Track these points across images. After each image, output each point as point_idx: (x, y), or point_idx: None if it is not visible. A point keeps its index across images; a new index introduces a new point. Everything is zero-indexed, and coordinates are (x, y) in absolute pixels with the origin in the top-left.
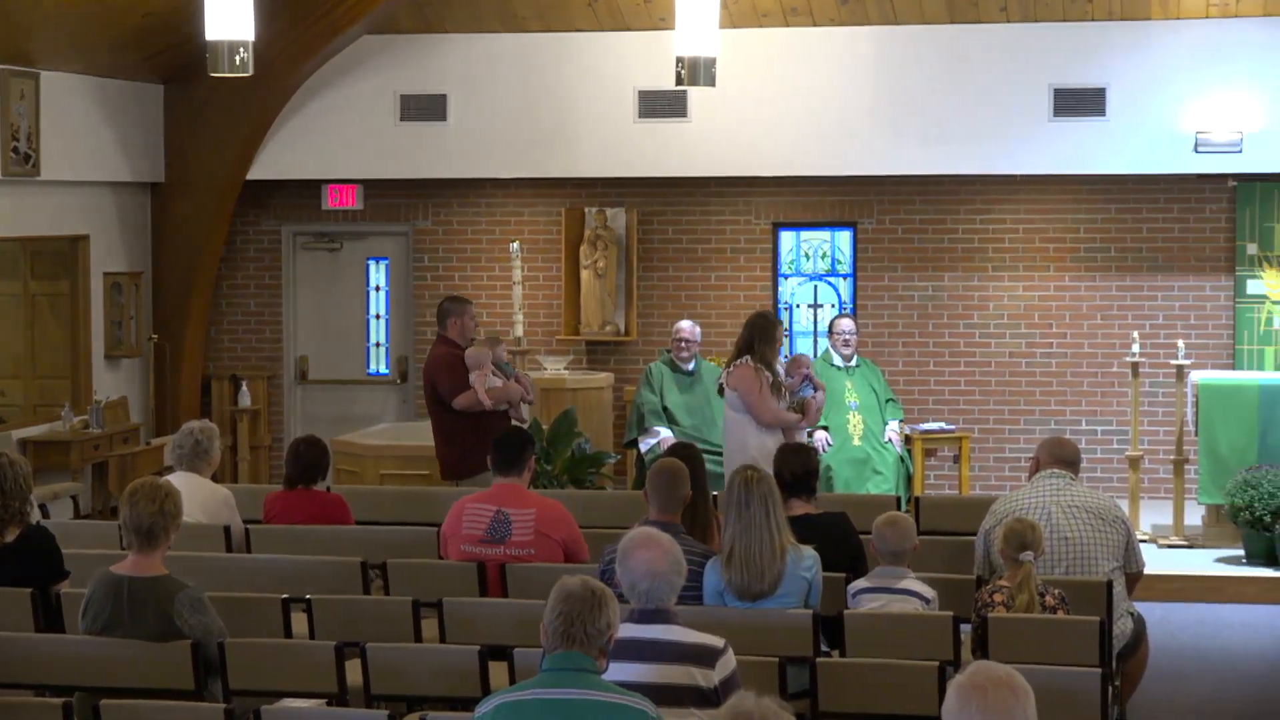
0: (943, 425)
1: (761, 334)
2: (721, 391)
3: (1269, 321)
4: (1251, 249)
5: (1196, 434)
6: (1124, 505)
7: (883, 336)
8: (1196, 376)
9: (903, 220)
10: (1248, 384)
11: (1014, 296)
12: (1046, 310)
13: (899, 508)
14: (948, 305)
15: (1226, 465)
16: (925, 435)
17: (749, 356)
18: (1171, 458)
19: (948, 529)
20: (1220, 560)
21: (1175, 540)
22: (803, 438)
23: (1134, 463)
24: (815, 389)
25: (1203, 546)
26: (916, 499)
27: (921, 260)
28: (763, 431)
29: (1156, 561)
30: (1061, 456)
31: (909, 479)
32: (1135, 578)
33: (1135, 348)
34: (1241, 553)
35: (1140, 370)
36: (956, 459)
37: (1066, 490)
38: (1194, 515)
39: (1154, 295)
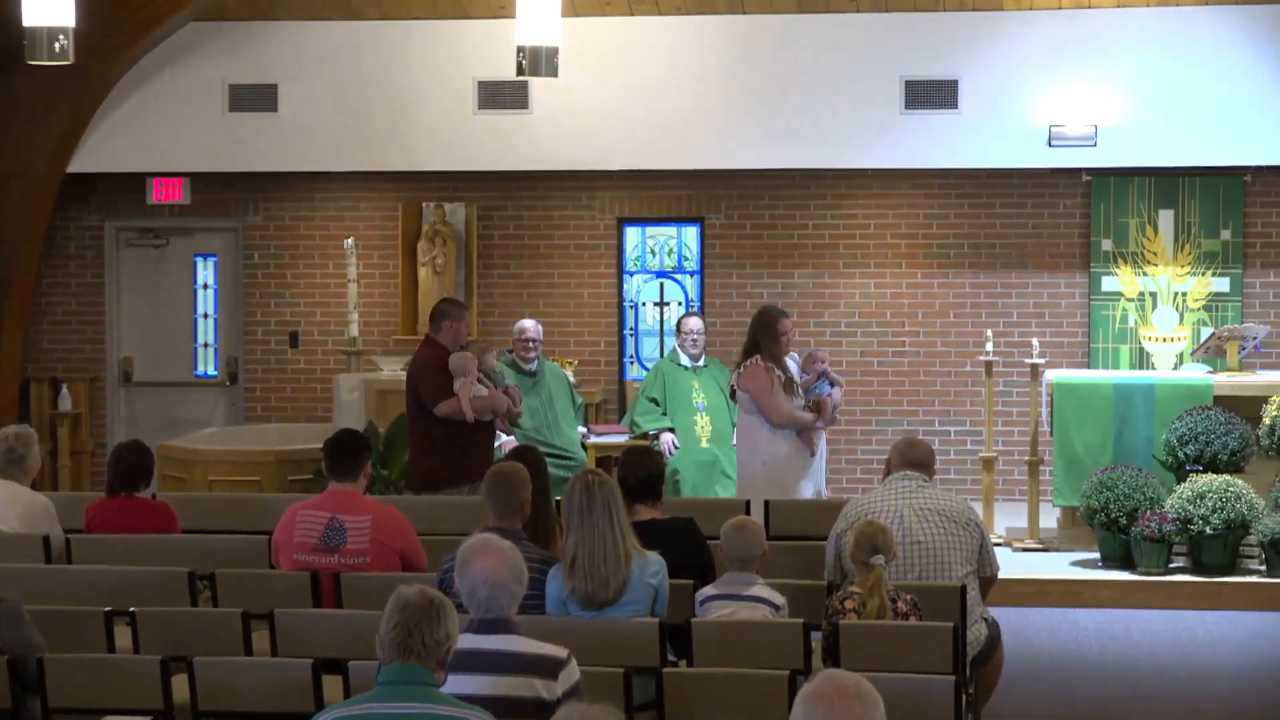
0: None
1: (765, 331)
2: (734, 395)
3: (1124, 319)
4: (1106, 245)
5: (1051, 434)
6: (978, 508)
7: (731, 336)
8: (1051, 376)
9: (751, 216)
10: (1103, 383)
11: (866, 294)
12: (899, 308)
13: (748, 512)
14: (798, 303)
15: (1082, 466)
16: None
17: (758, 356)
18: (1026, 459)
19: (798, 533)
20: (1076, 564)
21: (1030, 543)
22: (820, 438)
23: (988, 464)
24: (832, 385)
25: (1058, 549)
26: (766, 502)
27: (771, 257)
28: (775, 434)
29: (1011, 565)
30: (914, 458)
31: None
32: (989, 582)
33: (989, 346)
34: (1097, 555)
35: (994, 369)
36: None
37: (919, 493)
38: (1049, 518)
39: (1008, 293)
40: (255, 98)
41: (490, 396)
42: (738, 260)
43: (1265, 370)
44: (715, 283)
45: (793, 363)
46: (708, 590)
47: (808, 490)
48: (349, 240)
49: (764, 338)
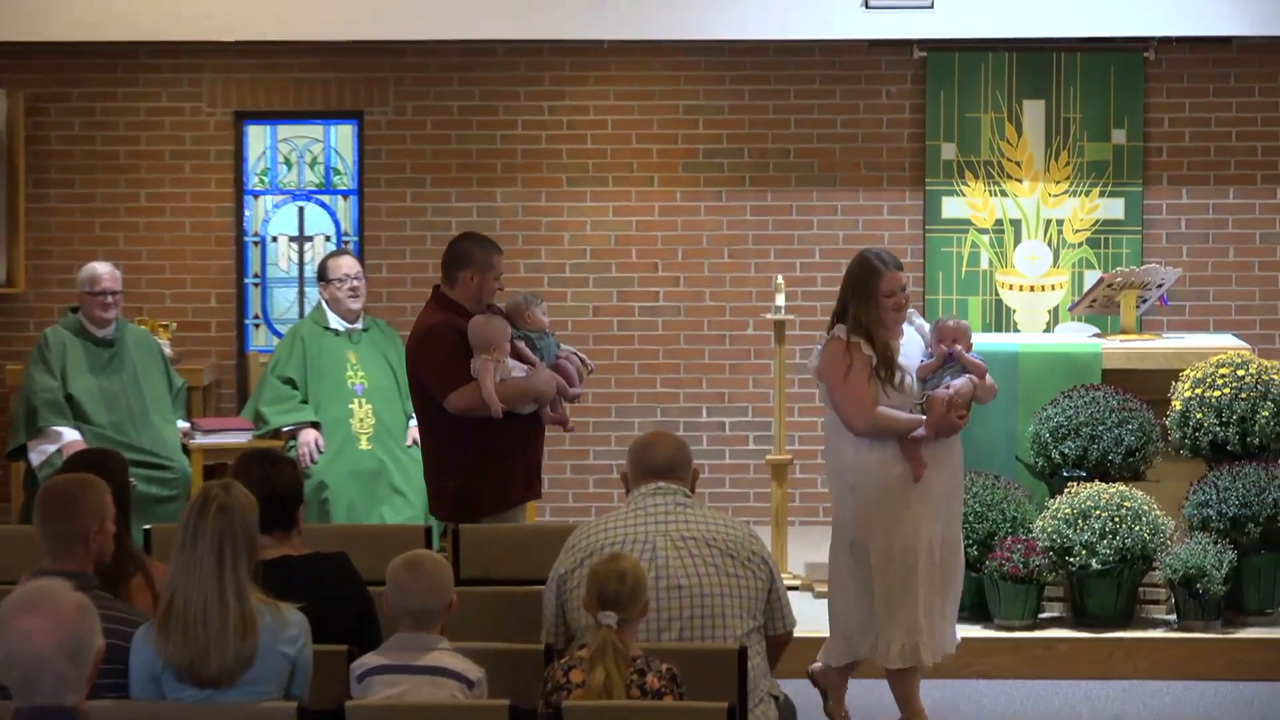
0: None
1: (858, 287)
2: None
3: (973, 259)
4: (948, 152)
5: None
6: (765, 535)
7: (404, 285)
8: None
9: (432, 110)
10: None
11: (601, 224)
12: (649, 244)
13: (429, 544)
14: (503, 237)
15: None
16: None
17: (841, 326)
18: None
19: (503, 575)
20: None
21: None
22: (945, 451)
23: (779, 471)
24: (964, 371)
25: None
26: (456, 530)
27: (462, 169)
28: (863, 444)
29: (814, 618)
30: (659, 463)
31: None
32: (782, 643)
33: (780, 300)
34: None
35: (787, 332)
36: None
37: (678, 514)
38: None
39: (806, 221)
40: None
41: (531, 377)
42: (413, 174)
43: (1175, 333)
44: (380, 206)
45: (916, 335)
46: (369, 659)
47: (924, 532)
48: None
49: (855, 297)
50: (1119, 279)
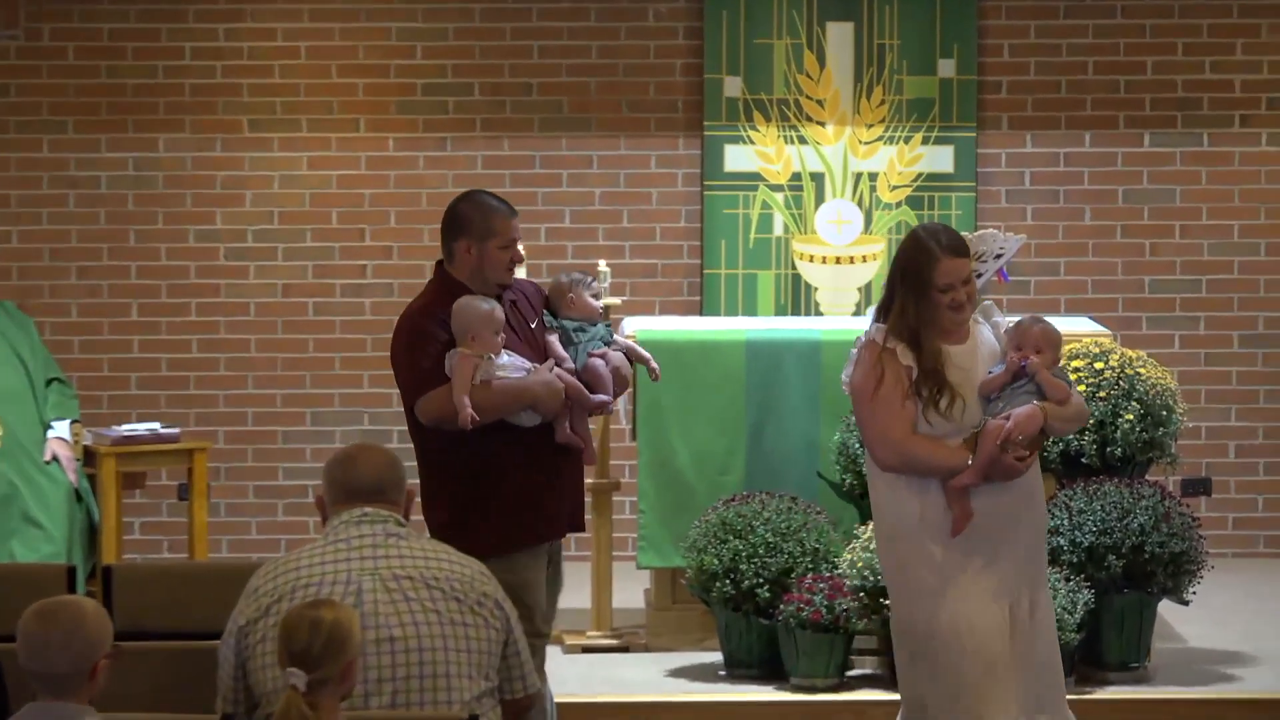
0: (156, 429)
1: (909, 272)
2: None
3: (765, 223)
4: (732, 88)
5: (634, 438)
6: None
7: (40, 258)
8: (632, 327)
9: (76, 34)
10: (725, 340)
11: (292, 180)
12: (354, 205)
13: (72, 589)
14: (166, 196)
15: (688, 494)
16: (130, 445)
17: (879, 326)
18: (589, 482)
19: (167, 627)
20: (677, 673)
21: (598, 638)
22: (1014, 494)
23: None
24: (1040, 394)
25: (648, 649)
26: (107, 569)
27: (114, 110)
28: (899, 481)
29: (563, 678)
30: (367, 485)
31: (92, 531)
32: (521, 708)
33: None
34: (719, 657)
35: None
36: (186, 489)
37: (390, 547)
38: (632, 590)
39: (554, 176)
40: None
41: (524, 380)
42: (50, 117)
43: (1017, 315)
44: (8, 158)
45: (990, 335)
46: None
47: (975, 597)
48: None
49: (905, 285)
50: None
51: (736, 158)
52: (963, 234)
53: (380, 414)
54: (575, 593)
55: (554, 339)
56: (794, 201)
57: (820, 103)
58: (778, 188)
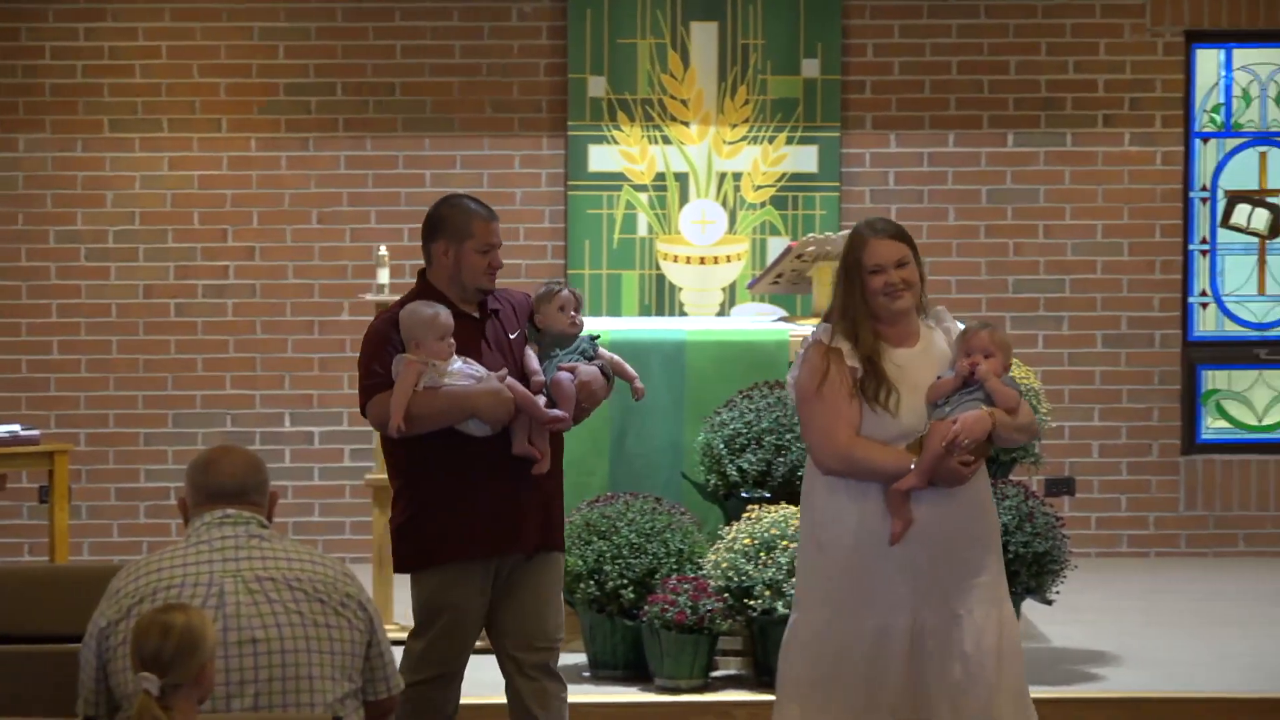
0: (17, 431)
1: (845, 267)
2: None
3: (629, 224)
4: (596, 87)
5: None
6: (365, 575)
7: None
8: None
9: None
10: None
11: (153, 180)
12: (216, 205)
13: None
14: (26, 197)
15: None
16: None
17: (825, 325)
18: None
19: (26, 630)
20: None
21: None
22: (933, 504)
23: (383, 495)
24: (988, 400)
25: None
26: None
27: None
28: (838, 484)
29: None
30: (229, 486)
31: None
32: (384, 710)
33: (383, 276)
34: (583, 658)
35: None
36: (47, 491)
37: (252, 548)
38: None
39: (417, 177)
40: None
41: (467, 389)
42: None
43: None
44: None
45: (943, 342)
46: None
47: (897, 619)
48: None
49: (843, 275)
50: (811, 248)
51: (600, 158)
52: (828, 234)
53: (243, 415)
54: None
55: (530, 351)
56: (658, 201)
57: (684, 102)
58: (642, 188)
